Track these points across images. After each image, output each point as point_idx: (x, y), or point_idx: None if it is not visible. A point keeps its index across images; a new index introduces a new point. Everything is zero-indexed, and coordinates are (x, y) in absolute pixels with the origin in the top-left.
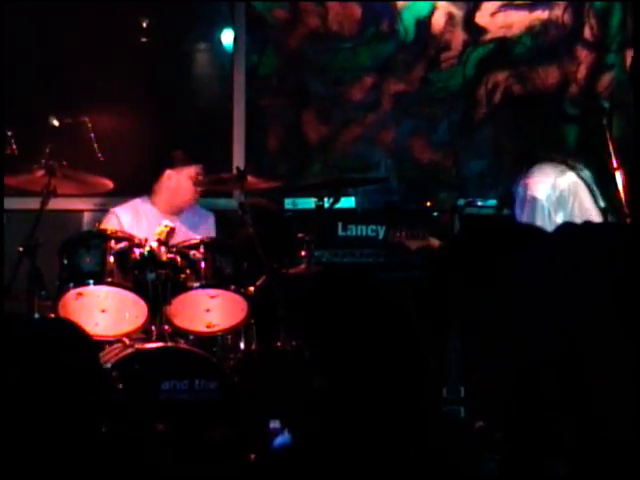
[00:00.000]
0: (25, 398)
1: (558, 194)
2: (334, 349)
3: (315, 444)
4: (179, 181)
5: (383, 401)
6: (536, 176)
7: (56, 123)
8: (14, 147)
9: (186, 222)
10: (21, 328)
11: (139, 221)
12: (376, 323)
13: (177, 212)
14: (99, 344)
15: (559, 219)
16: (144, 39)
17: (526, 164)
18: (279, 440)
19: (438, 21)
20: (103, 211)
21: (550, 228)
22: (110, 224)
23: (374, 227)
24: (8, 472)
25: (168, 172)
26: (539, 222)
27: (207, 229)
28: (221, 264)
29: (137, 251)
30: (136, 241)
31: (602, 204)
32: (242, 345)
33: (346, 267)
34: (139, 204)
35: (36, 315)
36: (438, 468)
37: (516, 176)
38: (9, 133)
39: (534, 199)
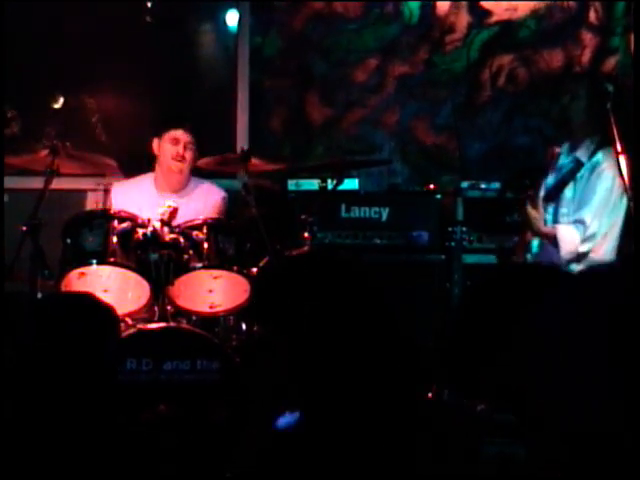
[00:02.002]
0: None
1: None
2: (329, 331)
3: (316, 427)
4: (164, 148)
5: (380, 384)
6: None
7: (60, 103)
8: (16, 128)
9: (191, 201)
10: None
11: (144, 198)
12: (370, 305)
13: (177, 187)
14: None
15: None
16: (148, 19)
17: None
18: (283, 420)
19: (443, 3)
20: (107, 191)
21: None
22: (108, 201)
23: (377, 209)
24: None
25: (155, 141)
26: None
27: (213, 208)
28: (224, 245)
29: (140, 231)
30: (139, 221)
31: None
32: (244, 326)
33: (345, 248)
34: (143, 181)
35: (39, 295)
36: (439, 451)
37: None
38: (13, 113)
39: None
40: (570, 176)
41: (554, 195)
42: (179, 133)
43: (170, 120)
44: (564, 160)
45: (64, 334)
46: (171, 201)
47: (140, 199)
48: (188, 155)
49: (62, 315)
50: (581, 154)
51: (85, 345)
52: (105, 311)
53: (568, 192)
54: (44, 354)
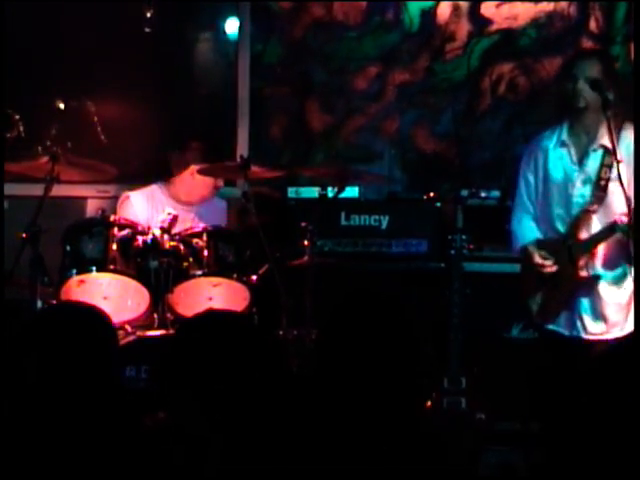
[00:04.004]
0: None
1: None
2: (332, 339)
3: (313, 434)
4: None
5: (380, 392)
6: None
7: (62, 107)
8: (21, 129)
9: (199, 212)
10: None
11: (154, 208)
12: (373, 314)
13: (193, 204)
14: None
15: None
16: (148, 29)
17: None
18: None
19: (443, 11)
20: (107, 198)
21: None
22: (124, 208)
23: (377, 217)
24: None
25: (194, 167)
26: None
27: (220, 218)
28: (224, 252)
29: (140, 239)
30: (139, 229)
31: None
32: None
33: (347, 257)
34: (155, 191)
35: (38, 302)
36: (439, 459)
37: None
38: (17, 116)
39: None
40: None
41: None
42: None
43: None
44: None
45: (61, 345)
46: (171, 209)
47: (161, 210)
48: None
49: (59, 326)
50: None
51: (82, 356)
52: (102, 321)
53: None
54: (42, 365)
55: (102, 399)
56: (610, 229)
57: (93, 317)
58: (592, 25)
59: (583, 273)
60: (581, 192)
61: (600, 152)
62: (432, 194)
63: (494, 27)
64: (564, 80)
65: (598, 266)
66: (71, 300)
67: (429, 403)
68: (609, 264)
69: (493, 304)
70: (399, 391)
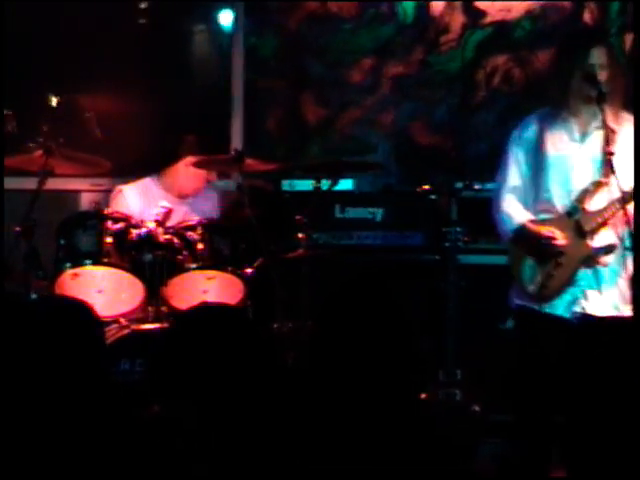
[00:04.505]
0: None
1: None
2: (326, 330)
3: (309, 427)
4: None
5: (375, 385)
6: None
7: (55, 101)
8: (14, 125)
9: (194, 205)
10: (24, 308)
11: (147, 201)
12: (367, 306)
13: (188, 196)
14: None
15: None
16: (142, 21)
17: None
18: None
19: (438, 4)
20: (101, 191)
21: None
22: (117, 202)
23: (372, 209)
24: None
25: (189, 159)
26: None
27: (213, 209)
28: (218, 245)
29: (134, 232)
30: (133, 222)
31: None
32: None
33: (342, 250)
34: (149, 184)
35: (33, 295)
36: (435, 451)
37: None
38: (10, 112)
39: None
40: None
41: None
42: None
43: (201, 142)
44: None
45: (45, 339)
46: (165, 202)
47: (154, 203)
48: None
49: (44, 320)
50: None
51: (66, 350)
52: (87, 315)
53: None
54: (28, 358)
55: (89, 393)
56: (622, 200)
57: (78, 311)
58: (586, 17)
59: (593, 246)
60: (583, 169)
61: (602, 131)
62: (427, 186)
63: (488, 19)
64: (575, 68)
65: (607, 239)
66: (56, 294)
67: (425, 395)
68: (617, 237)
69: (488, 296)
70: (394, 383)
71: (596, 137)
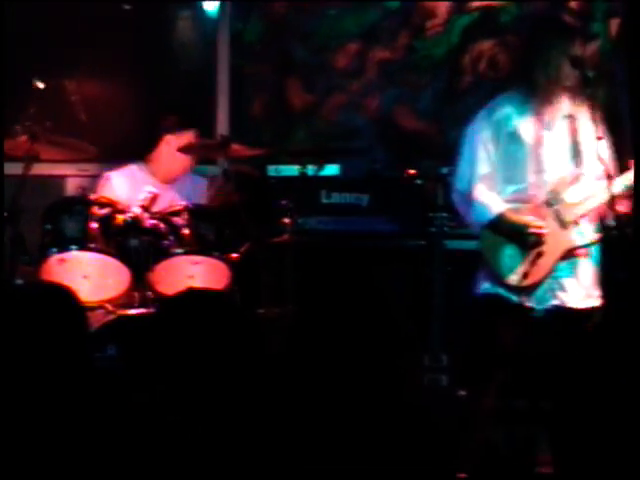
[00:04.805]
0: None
1: None
2: (313, 315)
3: (300, 412)
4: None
5: (360, 371)
6: None
7: (41, 86)
8: None
9: (180, 191)
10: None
11: (133, 187)
12: (355, 290)
13: (173, 180)
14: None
15: None
16: (127, 6)
17: None
18: None
19: None
20: (87, 177)
21: None
22: (104, 188)
23: (357, 195)
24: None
25: (168, 137)
26: None
27: (200, 196)
28: (204, 231)
29: (120, 217)
30: (119, 207)
31: None
32: None
33: (328, 235)
34: (135, 171)
35: (19, 281)
36: (422, 435)
37: None
38: None
39: None
40: None
41: None
42: (196, 134)
43: (183, 121)
44: None
45: (28, 324)
46: (151, 187)
47: (136, 187)
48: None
49: (27, 306)
50: None
51: (48, 336)
52: (70, 301)
53: None
54: (11, 344)
55: (72, 378)
56: (603, 191)
57: (60, 297)
58: (572, 2)
59: (575, 236)
60: (556, 158)
61: (566, 120)
62: (413, 172)
63: (474, 4)
64: (542, 55)
65: (586, 229)
66: (41, 280)
67: (410, 380)
68: (595, 225)
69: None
70: (380, 369)
71: (562, 125)
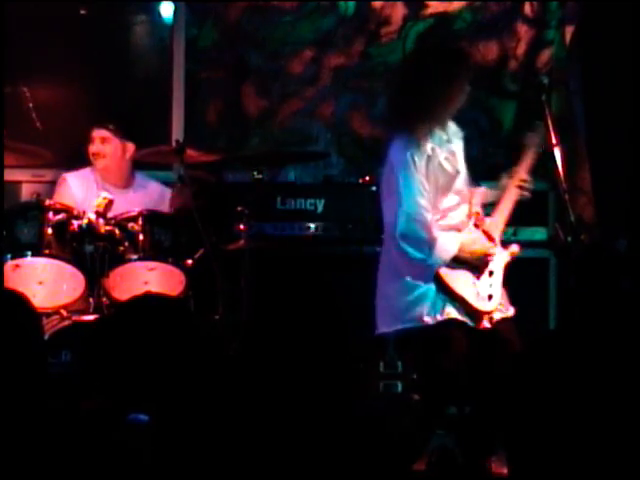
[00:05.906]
0: None
1: None
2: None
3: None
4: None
5: (315, 378)
6: None
7: None
8: None
9: (134, 196)
10: None
11: (88, 191)
12: (310, 296)
13: (126, 185)
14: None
15: None
16: (83, 11)
17: None
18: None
19: None
20: (42, 182)
21: None
22: (61, 188)
23: (312, 201)
24: None
25: (128, 150)
26: None
27: (159, 203)
28: (159, 237)
29: (75, 223)
30: (74, 213)
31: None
32: None
33: (283, 241)
34: (88, 174)
35: None
36: (376, 443)
37: None
38: None
39: None
40: None
41: None
42: (93, 131)
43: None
44: None
45: None
46: (106, 192)
47: (95, 192)
48: (107, 149)
49: None
50: None
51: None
52: (24, 308)
53: None
54: None
55: (25, 384)
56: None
57: (14, 303)
58: (527, 9)
59: (501, 249)
60: (462, 180)
61: (460, 143)
62: (368, 178)
63: (429, 10)
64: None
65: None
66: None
67: (365, 387)
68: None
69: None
70: (335, 375)
71: (458, 150)
